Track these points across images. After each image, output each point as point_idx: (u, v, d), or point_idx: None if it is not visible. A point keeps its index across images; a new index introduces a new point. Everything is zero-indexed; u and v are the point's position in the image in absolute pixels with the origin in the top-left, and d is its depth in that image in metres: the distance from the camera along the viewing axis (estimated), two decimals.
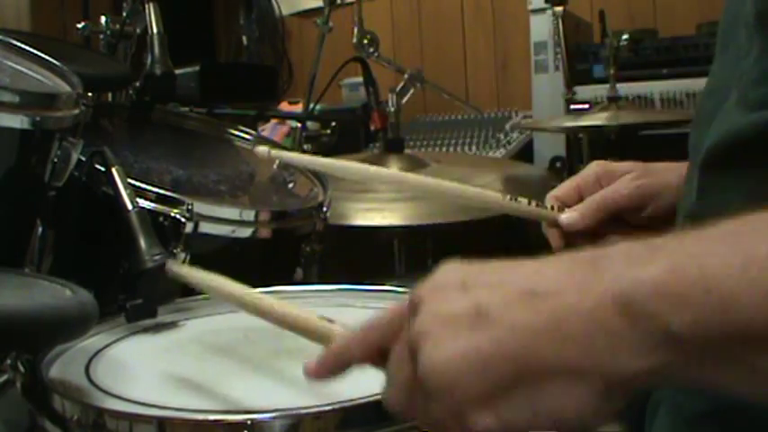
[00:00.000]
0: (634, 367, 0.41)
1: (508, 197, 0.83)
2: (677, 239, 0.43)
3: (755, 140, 0.55)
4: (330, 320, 0.57)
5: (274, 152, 1.09)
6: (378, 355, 0.51)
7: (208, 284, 0.72)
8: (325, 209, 1.20)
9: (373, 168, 0.99)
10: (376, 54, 1.87)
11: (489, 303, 0.44)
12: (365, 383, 0.67)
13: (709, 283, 0.39)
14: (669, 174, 0.80)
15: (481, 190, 0.86)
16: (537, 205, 0.82)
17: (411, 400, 0.47)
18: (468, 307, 0.44)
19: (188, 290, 0.96)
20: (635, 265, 0.41)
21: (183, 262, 1.00)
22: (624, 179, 0.81)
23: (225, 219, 1.08)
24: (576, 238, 0.81)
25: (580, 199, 0.83)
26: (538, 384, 0.42)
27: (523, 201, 0.82)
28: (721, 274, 0.39)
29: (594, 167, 0.84)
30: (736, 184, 0.58)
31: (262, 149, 1.07)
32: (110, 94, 1.56)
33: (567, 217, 0.81)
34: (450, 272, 0.48)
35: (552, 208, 0.83)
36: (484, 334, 0.43)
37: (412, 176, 0.96)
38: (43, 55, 1.02)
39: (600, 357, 0.41)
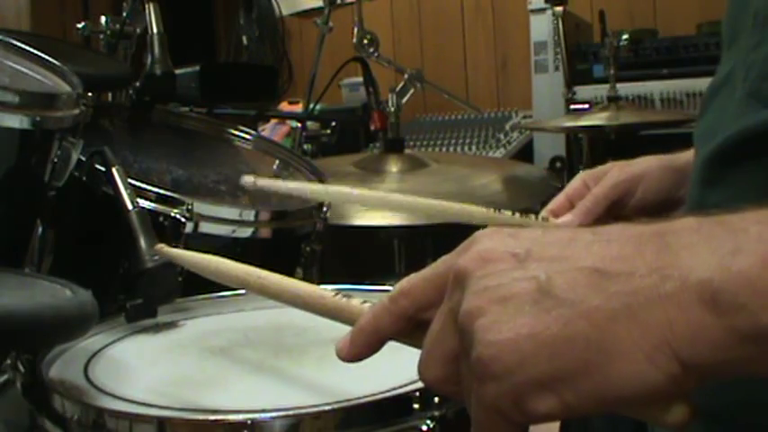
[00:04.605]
0: (714, 358, 0.38)
1: (492, 209, 0.83)
2: (740, 218, 0.40)
3: None
4: (347, 296, 0.54)
5: (260, 182, 1.01)
6: (410, 327, 0.48)
7: (205, 266, 0.69)
8: (325, 209, 1.20)
9: (357, 191, 0.99)
10: (376, 54, 1.87)
11: (553, 280, 0.41)
12: (365, 382, 0.67)
13: None
14: (649, 159, 0.85)
15: (465, 206, 0.86)
16: (522, 215, 0.83)
17: (451, 376, 0.45)
18: (529, 283, 0.41)
19: (188, 290, 0.97)
20: (719, 252, 0.39)
21: None
22: (608, 175, 0.85)
23: (225, 219, 1.08)
24: None
25: (572, 207, 0.86)
26: (607, 368, 0.39)
27: (507, 213, 0.82)
28: None
29: (580, 176, 0.88)
30: (748, 178, 0.57)
31: (247, 179, 1.00)
32: (110, 94, 1.56)
33: (561, 221, 0.83)
34: (496, 241, 0.44)
35: (545, 219, 0.85)
36: (550, 314, 0.40)
37: (395, 197, 0.96)
38: (43, 55, 1.02)
39: (679, 344, 0.38)
